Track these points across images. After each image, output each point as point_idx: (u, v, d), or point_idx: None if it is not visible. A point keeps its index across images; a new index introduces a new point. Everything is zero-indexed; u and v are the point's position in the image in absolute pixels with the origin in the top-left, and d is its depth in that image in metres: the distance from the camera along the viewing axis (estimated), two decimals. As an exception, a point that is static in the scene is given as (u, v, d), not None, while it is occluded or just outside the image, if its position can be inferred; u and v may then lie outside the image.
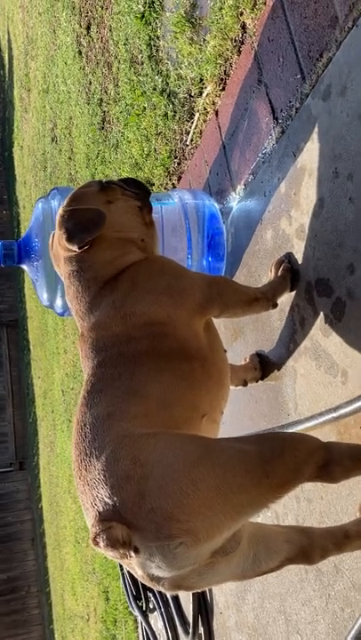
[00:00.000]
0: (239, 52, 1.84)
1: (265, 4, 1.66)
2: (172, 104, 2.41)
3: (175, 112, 2.39)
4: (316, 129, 1.46)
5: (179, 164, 2.41)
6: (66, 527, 5.58)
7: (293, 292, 1.58)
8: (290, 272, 1.57)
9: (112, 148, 3.30)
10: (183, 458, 1.11)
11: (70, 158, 4.47)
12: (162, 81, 2.55)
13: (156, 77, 2.60)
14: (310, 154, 1.48)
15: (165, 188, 2.54)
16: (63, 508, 5.57)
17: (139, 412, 1.23)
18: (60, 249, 1.53)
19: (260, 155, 1.75)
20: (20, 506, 8.41)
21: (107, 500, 1.10)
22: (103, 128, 3.48)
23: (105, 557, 4.01)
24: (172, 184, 2.47)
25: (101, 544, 1.08)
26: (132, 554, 1.08)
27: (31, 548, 8.07)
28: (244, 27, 1.80)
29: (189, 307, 1.43)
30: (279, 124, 1.64)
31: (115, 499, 1.09)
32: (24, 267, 1.95)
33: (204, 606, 2.23)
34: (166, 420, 1.25)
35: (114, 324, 1.39)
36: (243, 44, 1.82)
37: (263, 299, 1.55)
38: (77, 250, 1.47)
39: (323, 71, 1.43)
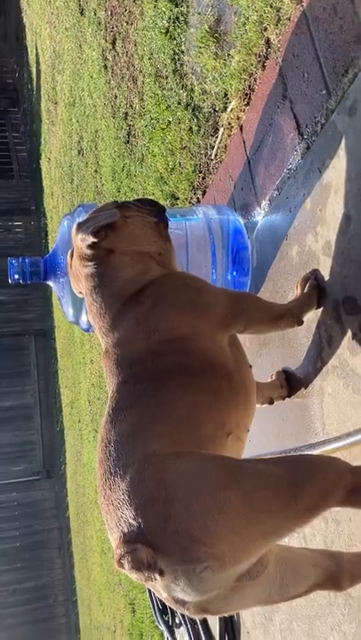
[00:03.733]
0: (263, 66, 1.83)
1: (289, 19, 1.65)
2: (197, 118, 2.41)
3: (200, 127, 2.39)
4: (342, 145, 1.44)
5: (203, 178, 2.40)
6: (92, 537, 5.59)
7: (320, 309, 1.56)
8: (316, 289, 1.55)
9: (137, 161, 3.31)
10: (209, 481, 1.10)
11: (96, 171, 4.50)
12: (186, 95, 2.55)
13: (181, 91, 2.60)
14: (336, 170, 1.46)
15: (190, 202, 2.54)
16: (90, 517, 5.58)
17: (164, 431, 1.22)
18: (79, 265, 1.53)
19: (285, 170, 1.73)
20: (47, 514, 8.45)
21: (131, 521, 1.09)
22: (128, 142, 3.50)
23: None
24: (197, 198, 2.47)
25: (126, 566, 1.07)
26: (157, 576, 1.06)
27: (58, 556, 8.11)
28: (268, 42, 1.79)
29: (213, 321, 1.42)
30: (304, 140, 1.62)
31: (139, 520, 1.08)
32: (50, 283, 1.96)
33: (230, 625, 2.20)
34: (192, 438, 1.24)
35: (138, 341, 1.38)
36: (267, 58, 1.81)
37: (289, 315, 1.54)
38: (94, 240, 1.45)
39: (348, 87, 1.41)
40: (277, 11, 1.70)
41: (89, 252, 1.47)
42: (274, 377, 1.76)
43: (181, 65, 2.61)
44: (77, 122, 5.16)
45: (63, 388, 7.03)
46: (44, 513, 8.45)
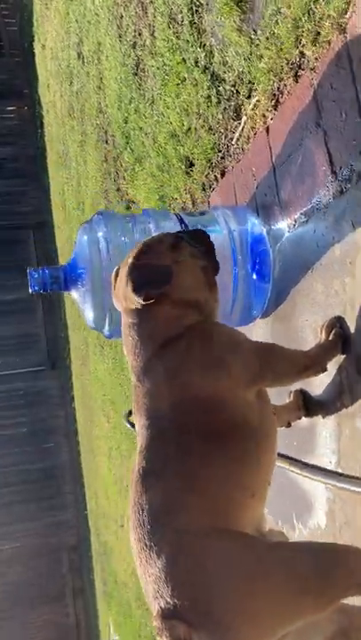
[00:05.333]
0: (296, 78, 1.71)
1: (329, 44, 1.53)
2: (217, 90, 2.27)
3: (220, 101, 2.25)
4: (378, 208, 1.40)
5: (222, 158, 2.31)
6: (99, 438, 5.92)
7: (343, 356, 1.60)
8: (341, 337, 1.58)
9: (147, 102, 3.13)
10: (239, 571, 1.21)
11: (100, 87, 4.24)
12: (205, 56, 2.37)
13: (198, 50, 2.42)
14: (370, 232, 1.43)
15: (207, 178, 2.46)
16: (97, 422, 5.88)
17: (194, 503, 1.31)
18: (122, 294, 1.54)
19: (314, 201, 1.68)
20: (53, 402, 8.83)
21: (168, 599, 1.21)
22: (137, 75, 3.28)
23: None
24: (215, 176, 2.39)
25: (165, 639, 1.21)
26: None
27: (65, 442, 8.58)
28: (302, 54, 1.66)
29: (240, 380, 1.46)
30: (338, 181, 1.56)
31: (175, 601, 1.21)
32: (72, 293, 1.97)
33: None
34: (220, 507, 1.33)
35: (166, 396, 1.43)
36: (300, 69, 1.69)
37: (316, 365, 1.57)
38: (142, 302, 1.48)
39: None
40: (316, 24, 1.56)
41: (138, 305, 1.49)
42: (291, 397, 1.83)
43: (200, 19, 2.40)
44: (76, 21, 4.76)
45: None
46: (51, 400, 8.82)
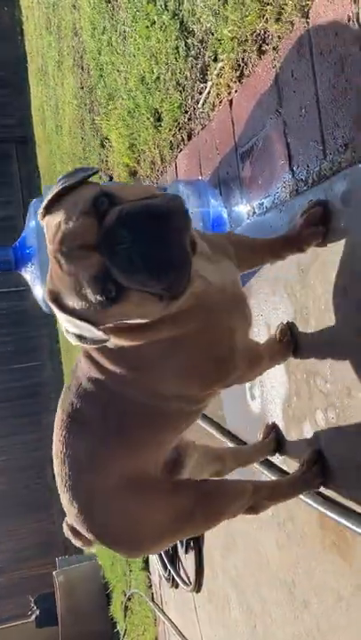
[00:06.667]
0: (260, 53, 1.55)
1: (292, 25, 1.37)
2: (185, 42, 2.08)
3: (188, 55, 2.07)
4: (337, 225, 1.31)
5: (189, 119, 2.15)
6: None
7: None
8: (292, 343, 1.53)
9: (119, 36, 2.89)
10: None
11: (74, 7, 3.91)
12: (174, 1, 2.16)
13: (168, -9, 2.20)
14: (327, 244, 1.35)
15: (174, 137, 2.30)
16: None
17: (112, 457, 1.34)
18: None
19: (271, 194, 1.58)
20: (37, 322, 8.83)
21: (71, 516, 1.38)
22: (110, 3, 3.01)
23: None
24: (182, 137, 2.23)
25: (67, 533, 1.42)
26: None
27: (49, 360, 8.67)
28: (265, 31, 1.50)
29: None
30: (295, 180, 1.45)
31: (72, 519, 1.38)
32: (22, 272, 1.89)
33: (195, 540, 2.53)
34: (137, 458, 1.38)
35: (125, 370, 1.28)
36: (265, 43, 1.53)
37: (264, 360, 1.48)
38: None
39: (347, 166, 1.24)
40: (281, 1, 1.40)
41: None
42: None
43: None
44: None
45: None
46: (34, 321, 8.82)
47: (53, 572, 5.49)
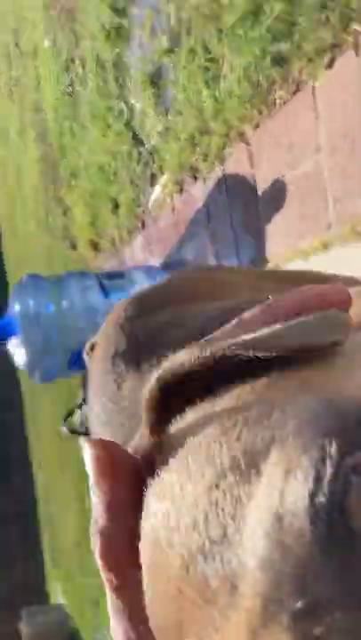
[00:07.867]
0: (194, 179, 2.03)
1: (213, 165, 1.85)
2: (137, 149, 2.55)
3: (140, 160, 2.53)
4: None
5: (143, 212, 2.61)
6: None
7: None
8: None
9: (80, 127, 3.35)
10: None
11: (37, 88, 4.38)
12: (128, 112, 2.63)
13: (122, 104, 2.67)
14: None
15: (130, 223, 2.75)
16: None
17: None
18: None
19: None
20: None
21: None
22: (71, 96, 3.48)
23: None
24: (137, 225, 2.69)
25: None
26: None
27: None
28: (196, 168, 1.98)
29: None
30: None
31: None
32: (6, 342, 2.30)
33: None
34: None
35: None
36: (198, 173, 2.00)
37: None
38: None
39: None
40: (206, 146, 1.88)
41: None
42: None
43: (121, 73, 2.64)
44: (13, 12, 4.80)
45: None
46: None
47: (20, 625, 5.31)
